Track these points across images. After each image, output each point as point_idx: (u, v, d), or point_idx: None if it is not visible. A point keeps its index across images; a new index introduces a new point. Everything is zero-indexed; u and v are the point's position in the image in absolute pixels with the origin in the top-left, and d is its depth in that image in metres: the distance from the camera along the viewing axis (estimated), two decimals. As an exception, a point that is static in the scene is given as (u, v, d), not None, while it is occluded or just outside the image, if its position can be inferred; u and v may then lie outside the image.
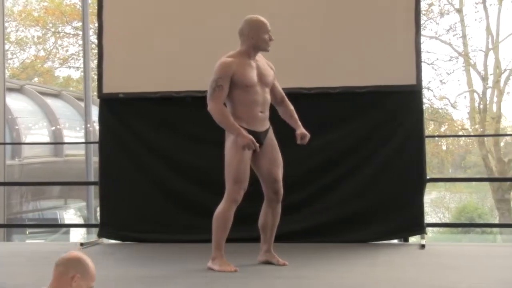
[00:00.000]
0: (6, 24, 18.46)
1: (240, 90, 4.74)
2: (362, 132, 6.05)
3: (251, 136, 4.66)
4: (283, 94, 5.05)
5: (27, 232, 13.96)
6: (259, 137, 4.78)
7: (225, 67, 4.74)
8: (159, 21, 6.31)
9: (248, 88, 4.76)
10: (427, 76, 17.27)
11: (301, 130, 4.92)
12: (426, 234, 6.03)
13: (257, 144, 4.68)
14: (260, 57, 4.97)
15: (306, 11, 6.13)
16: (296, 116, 4.97)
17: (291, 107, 5.02)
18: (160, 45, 6.27)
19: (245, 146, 4.65)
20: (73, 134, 15.00)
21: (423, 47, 15.78)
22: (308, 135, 4.88)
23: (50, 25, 19.91)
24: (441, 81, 17.36)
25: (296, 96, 6.08)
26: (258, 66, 4.87)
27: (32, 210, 14.44)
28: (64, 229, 14.80)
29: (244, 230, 5.67)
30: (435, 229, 16.45)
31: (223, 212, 4.77)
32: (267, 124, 4.90)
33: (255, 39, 4.84)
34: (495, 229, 16.52)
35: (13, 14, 19.68)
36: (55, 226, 14.22)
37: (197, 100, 5.83)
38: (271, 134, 4.93)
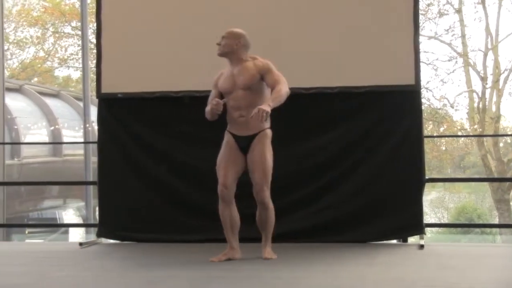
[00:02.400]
0: (6, 25, 18.47)
1: (225, 97, 5.05)
2: (360, 132, 6.05)
3: (214, 101, 4.96)
4: (276, 80, 4.96)
5: (26, 232, 13.95)
6: (238, 140, 5.05)
7: (215, 78, 5.19)
8: (158, 21, 6.31)
9: (226, 95, 5.07)
10: (426, 76, 17.30)
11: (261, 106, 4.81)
12: (425, 234, 6.03)
13: (220, 102, 4.95)
14: (250, 60, 5.09)
15: (304, 11, 6.13)
16: (274, 95, 4.88)
17: (277, 88, 4.91)
18: (158, 45, 6.26)
19: (213, 110, 4.93)
20: (72, 134, 14.98)
21: (422, 47, 15.81)
22: (261, 110, 4.70)
23: (49, 25, 19.90)
24: (441, 80, 17.38)
25: (295, 96, 6.09)
26: (237, 72, 5.04)
27: (31, 210, 14.43)
28: (63, 229, 14.80)
29: (242, 230, 5.68)
30: (434, 229, 16.49)
31: (219, 211, 5.09)
32: (252, 130, 5.00)
33: None
34: (494, 229, 16.54)
35: (12, 15, 19.67)
36: (54, 226, 14.21)
37: (195, 100, 5.84)
38: (258, 139, 5.02)
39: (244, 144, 5.04)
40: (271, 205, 5.07)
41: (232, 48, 5.08)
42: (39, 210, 14.80)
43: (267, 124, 5.09)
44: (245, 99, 4.99)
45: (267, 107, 4.73)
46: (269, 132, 5.10)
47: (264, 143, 5.03)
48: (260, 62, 5.07)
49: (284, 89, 4.91)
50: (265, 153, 5.01)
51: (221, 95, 5.10)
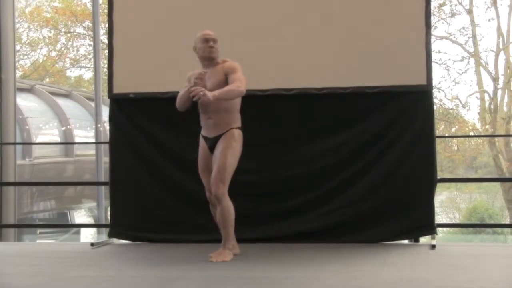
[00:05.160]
0: (18, 25, 18.56)
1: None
2: (372, 132, 6.04)
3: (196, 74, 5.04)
4: (235, 79, 5.03)
5: (38, 232, 14.00)
6: (207, 141, 5.20)
7: (189, 74, 5.27)
8: (169, 21, 6.32)
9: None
10: (438, 77, 17.26)
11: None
12: (437, 234, 6.01)
13: (203, 73, 5.04)
14: (221, 63, 5.17)
15: (317, 12, 6.12)
16: (225, 89, 4.95)
17: (232, 86, 4.99)
18: (170, 45, 6.28)
19: (194, 92, 4.84)
20: (84, 134, 15.04)
21: (434, 47, 15.77)
22: (202, 91, 4.80)
23: (61, 25, 19.97)
24: (453, 80, 17.33)
25: (307, 96, 6.10)
26: (208, 76, 5.09)
27: (43, 210, 14.49)
28: (74, 229, 14.86)
29: (252, 231, 5.72)
30: (446, 229, 16.43)
31: (212, 214, 5.35)
32: (219, 130, 5.11)
33: (199, 52, 5.22)
34: (506, 229, 16.46)
35: (24, 15, 19.75)
36: (66, 226, 14.26)
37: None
38: (223, 137, 5.11)
39: (212, 144, 5.16)
40: (225, 203, 5.02)
41: (218, 52, 5.21)
42: (50, 210, 14.85)
43: (236, 123, 5.17)
44: (213, 104, 5.04)
45: (209, 94, 4.81)
46: (236, 132, 5.16)
47: (228, 142, 5.09)
48: (228, 64, 5.16)
49: (237, 88, 4.98)
50: (225, 150, 5.05)
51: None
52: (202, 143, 5.28)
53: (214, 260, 4.97)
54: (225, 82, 5.08)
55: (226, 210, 5.03)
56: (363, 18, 6.05)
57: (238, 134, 5.16)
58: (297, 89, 6.11)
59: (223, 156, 5.04)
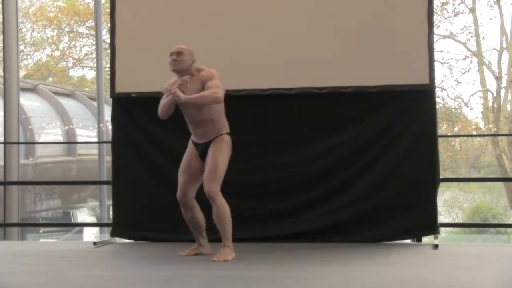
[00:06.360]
0: (21, 25, 18.58)
1: (182, 111, 5.26)
2: (374, 131, 6.03)
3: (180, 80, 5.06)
4: (211, 86, 5.07)
5: (41, 231, 14.02)
6: (197, 147, 5.25)
7: (169, 82, 5.25)
8: (171, 21, 6.32)
9: (182, 110, 5.24)
10: (441, 76, 17.24)
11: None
12: (440, 234, 6.00)
13: (186, 79, 5.02)
14: (196, 74, 5.19)
15: (317, 10, 6.12)
16: (199, 94, 5.03)
17: (206, 92, 5.05)
18: (172, 44, 6.24)
19: (173, 94, 4.98)
20: (86, 133, 15.06)
21: (437, 46, 15.74)
22: (176, 92, 4.96)
23: (64, 25, 19.99)
24: (456, 80, 17.31)
25: (308, 96, 6.09)
26: (187, 89, 5.09)
27: (46, 209, 14.51)
28: (77, 229, 14.87)
29: (251, 231, 5.72)
30: (449, 229, 16.39)
31: (183, 215, 5.41)
32: (209, 137, 5.18)
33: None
34: (509, 229, 16.42)
35: (28, 15, 19.78)
36: (68, 225, 14.28)
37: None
38: (213, 142, 5.17)
39: (202, 150, 5.21)
40: (219, 202, 5.05)
41: (189, 64, 5.20)
42: (53, 209, 14.87)
43: (225, 129, 5.22)
44: (198, 114, 5.15)
45: (180, 95, 4.94)
46: (226, 137, 5.21)
47: (218, 145, 5.16)
48: (205, 72, 5.19)
49: (212, 94, 5.03)
50: (216, 153, 5.12)
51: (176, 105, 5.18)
52: (191, 147, 5.34)
53: (216, 260, 4.97)
54: (203, 90, 5.11)
55: (221, 209, 5.05)
56: (365, 17, 6.04)
57: (228, 139, 5.23)
58: (297, 89, 6.11)
59: (215, 157, 5.10)
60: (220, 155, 5.12)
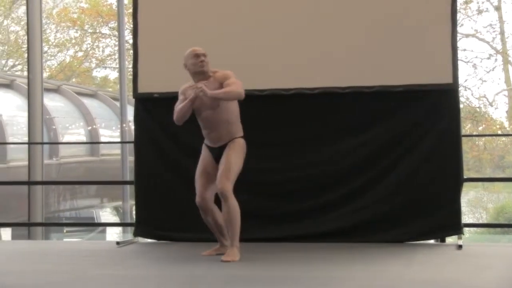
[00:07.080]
0: (45, 26, 18.72)
1: (196, 115, 5.27)
2: (398, 131, 5.99)
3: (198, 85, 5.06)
4: (230, 83, 5.08)
5: (65, 231, 14.14)
6: (212, 151, 5.25)
7: (180, 92, 5.30)
8: (194, 21, 6.33)
9: (197, 114, 5.26)
10: (465, 75, 17.10)
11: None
12: (463, 234, 5.95)
13: (200, 87, 5.02)
14: (212, 75, 5.19)
15: (342, 10, 6.09)
16: (222, 90, 5.05)
17: (228, 88, 5.06)
18: (194, 44, 6.24)
19: (197, 95, 5.03)
20: (109, 133, 15.15)
21: (460, 45, 15.62)
22: (200, 89, 4.99)
23: (87, 26, 20.13)
24: (480, 78, 17.16)
25: (331, 95, 6.07)
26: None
27: (69, 209, 14.62)
28: (100, 228, 14.97)
29: (276, 230, 5.70)
30: (473, 229, 16.27)
31: (203, 218, 5.39)
32: (224, 141, 5.19)
33: (190, 68, 5.24)
34: (534, 230, 16.28)
35: (51, 16, 19.93)
36: (92, 225, 14.38)
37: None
38: (228, 145, 5.18)
39: (217, 154, 5.21)
40: (231, 201, 5.02)
41: (209, 66, 5.22)
42: (77, 209, 14.98)
43: (239, 133, 5.23)
44: (213, 118, 5.17)
45: (207, 91, 4.97)
46: (240, 140, 5.22)
47: (233, 147, 5.16)
48: (220, 73, 5.19)
49: (234, 90, 5.05)
50: (231, 154, 5.13)
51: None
52: (205, 151, 5.34)
53: (225, 260, 4.96)
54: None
55: (232, 209, 5.03)
56: (389, 16, 6.01)
57: (242, 142, 5.24)
58: (320, 88, 6.09)
59: (230, 157, 5.11)
60: (236, 155, 5.13)
